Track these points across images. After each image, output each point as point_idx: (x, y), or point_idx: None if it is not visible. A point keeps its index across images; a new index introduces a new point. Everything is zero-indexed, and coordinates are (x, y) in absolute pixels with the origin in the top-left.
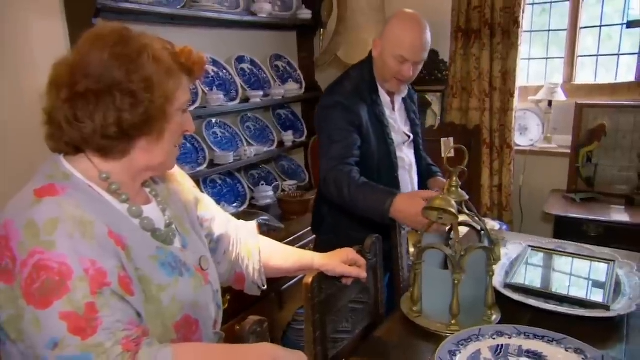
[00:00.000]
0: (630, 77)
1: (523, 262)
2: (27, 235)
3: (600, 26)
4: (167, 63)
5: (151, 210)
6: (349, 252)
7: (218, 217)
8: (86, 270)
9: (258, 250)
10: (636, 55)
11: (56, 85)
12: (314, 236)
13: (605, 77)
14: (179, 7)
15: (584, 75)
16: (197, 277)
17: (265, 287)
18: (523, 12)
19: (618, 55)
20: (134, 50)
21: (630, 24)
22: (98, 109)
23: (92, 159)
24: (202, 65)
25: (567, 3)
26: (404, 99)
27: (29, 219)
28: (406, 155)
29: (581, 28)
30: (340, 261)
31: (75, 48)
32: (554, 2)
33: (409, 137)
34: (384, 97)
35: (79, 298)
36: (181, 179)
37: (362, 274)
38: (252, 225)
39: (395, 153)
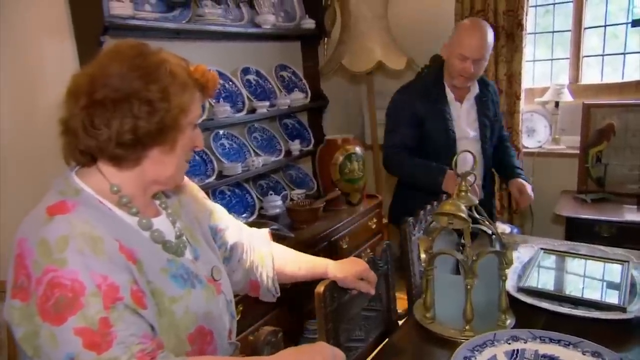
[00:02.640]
0: (637, 76)
1: (536, 265)
2: (40, 254)
3: (605, 26)
4: (182, 77)
5: (161, 222)
6: (362, 268)
7: (231, 226)
8: (98, 286)
9: (271, 258)
10: None
11: (74, 94)
12: (325, 244)
13: (612, 76)
14: (184, 21)
15: (591, 75)
16: (209, 288)
17: (279, 294)
18: (526, 15)
19: (624, 54)
20: (152, 63)
21: (636, 23)
22: (115, 116)
23: (104, 171)
24: (214, 83)
25: (571, 3)
26: (480, 101)
27: (41, 238)
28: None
29: (585, 28)
30: (353, 275)
31: (94, 61)
32: (557, 3)
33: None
34: (450, 95)
35: (92, 313)
36: (192, 191)
37: (371, 290)
38: (265, 232)
39: (456, 143)
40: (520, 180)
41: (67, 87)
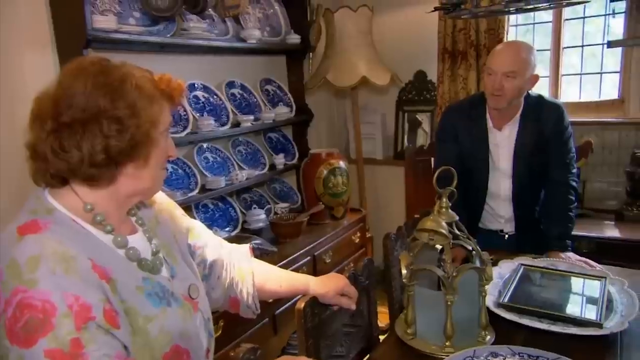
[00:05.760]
0: (614, 94)
1: (516, 281)
2: (9, 275)
3: (583, 46)
4: (149, 90)
5: (137, 240)
6: (343, 283)
7: (210, 243)
8: (70, 306)
9: (251, 275)
10: (619, 74)
11: (40, 118)
12: (308, 258)
13: (592, 94)
14: (168, 35)
15: (572, 93)
16: (185, 306)
17: (259, 311)
18: (507, 33)
19: (601, 73)
20: (116, 79)
21: (611, 44)
22: (85, 138)
23: (77, 190)
24: (181, 92)
25: (550, 23)
26: (523, 130)
27: (11, 258)
28: (498, 182)
29: (564, 48)
30: (335, 291)
31: (56, 81)
32: (537, 22)
33: (501, 167)
34: (489, 121)
35: (63, 334)
36: (170, 208)
37: (352, 306)
38: (245, 248)
39: (488, 174)
40: (556, 253)
41: (30, 110)
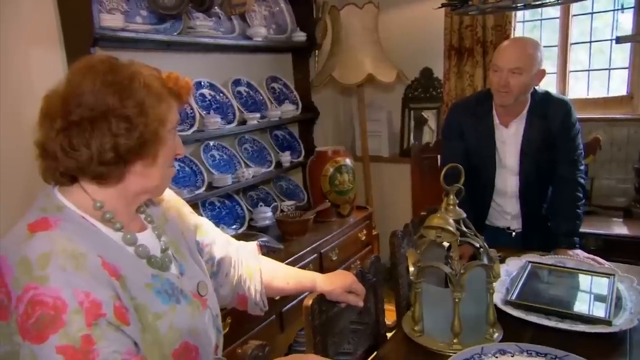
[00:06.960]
0: (622, 91)
1: (523, 279)
2: (20, 272)
3: (590, 42)
4: (157, 88)
5: (146, 237)
6: (350, 280)
7: (218, 240)
8: (81, 303)
9: (259, 272)
10: (627, 69)
11: (49, 117)
12: (314, 256)
13: (600, 91)
14: (175, 33)
15: (580, 88)
16: (194, 303)
17: (267, 308)
18: (514, 30)
19: (609, 69)
20: (125, 78)
21: (619, 40)
22: (94, 136)
23: (87, 188)
24: (188, 90)
25: (558, 19)
26: (530, 126)
27: (21, 255)
28: (505, 179)
29: (572, 43)
30: (342, 288)
31: (65, 79)
32: (544, 18)
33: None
34: (496, 118)
35: (74, 331)
36: (178, 206)
37: (360, 302)
38: (253, 245)
39: (495, 171)
40: (564, 250)
41: (40, 109)
